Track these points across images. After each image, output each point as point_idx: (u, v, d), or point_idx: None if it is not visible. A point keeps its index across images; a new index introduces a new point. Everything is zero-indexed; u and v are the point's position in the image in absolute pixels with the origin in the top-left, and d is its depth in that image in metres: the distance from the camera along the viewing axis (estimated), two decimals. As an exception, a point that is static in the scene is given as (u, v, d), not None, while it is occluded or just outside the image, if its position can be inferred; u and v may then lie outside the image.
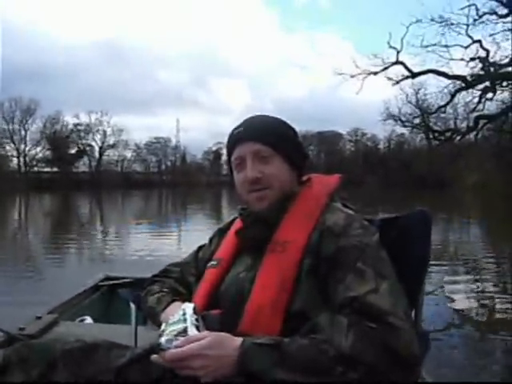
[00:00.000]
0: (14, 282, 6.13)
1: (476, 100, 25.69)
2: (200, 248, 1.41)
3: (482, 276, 6.52)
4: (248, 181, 1.16)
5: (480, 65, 24.55)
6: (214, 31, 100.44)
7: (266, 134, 1.17)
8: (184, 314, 0.99)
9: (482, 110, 25.97)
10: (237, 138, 1.20)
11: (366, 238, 1.06)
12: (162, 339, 0.93)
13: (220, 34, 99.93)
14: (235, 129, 1.22)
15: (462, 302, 4.96)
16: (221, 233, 1.35)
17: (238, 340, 0.91)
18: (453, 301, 5.01)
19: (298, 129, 1.29)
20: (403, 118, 31.41)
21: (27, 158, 46.42)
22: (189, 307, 1.02)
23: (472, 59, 24.59)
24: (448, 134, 29.94)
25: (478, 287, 5.81)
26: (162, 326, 1.00)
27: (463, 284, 5.91)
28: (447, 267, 6.93)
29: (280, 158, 1.17)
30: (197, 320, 0.99)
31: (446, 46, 24.99)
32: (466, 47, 24.65)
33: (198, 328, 0.96)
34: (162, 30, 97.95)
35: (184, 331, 0.94)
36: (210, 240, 1.38)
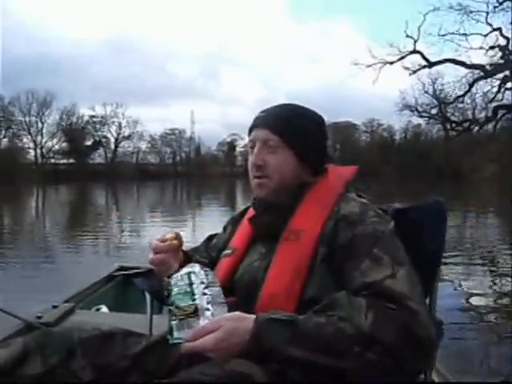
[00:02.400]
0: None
1: (495, 90, 25.38)
2: (211, 237, 1.43)
3: (497, 265, 6.46)
4: (252, 166, 1.19)
5: (500, 53, 24.17)
6: (224, 23, 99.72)
7: (279, 124, 1.18)
8: (191, 284, 0.95)
9: (501, 99, 25.65)
10: (254, 122, 1.24)
11: (382, 226, 1.06)
12: (173, 324, 0.92)
13: (230, 25, 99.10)
14: (260, 112, 1.25)
15: (476, 291, 4.93)
16: (234, 221, 1.36)
17: (251, 321, 0.90)
18: (467, 289, 4.98)
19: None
20: (420, 109, 31.12)
21: (44, 150, 46.84)
22: (195, 273, 0.97)
23: (491, 48, 24.21)
24: (466, 125, 29.56)
25: (493, 276, 5.75)
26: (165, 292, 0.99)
27: (478, 273, 5.86)
28: (462, 256, 6.87)
29: (288, 151, 1.17)
30: (206, 286, 0.95)
31: (465, 35, 24.66)
32: (486, 35, 24.31)
33: (208, 302, 0.93)
34: (172, 22, 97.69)
35: (195, 311, 0.92)
36: (224, 228, 1.40)
